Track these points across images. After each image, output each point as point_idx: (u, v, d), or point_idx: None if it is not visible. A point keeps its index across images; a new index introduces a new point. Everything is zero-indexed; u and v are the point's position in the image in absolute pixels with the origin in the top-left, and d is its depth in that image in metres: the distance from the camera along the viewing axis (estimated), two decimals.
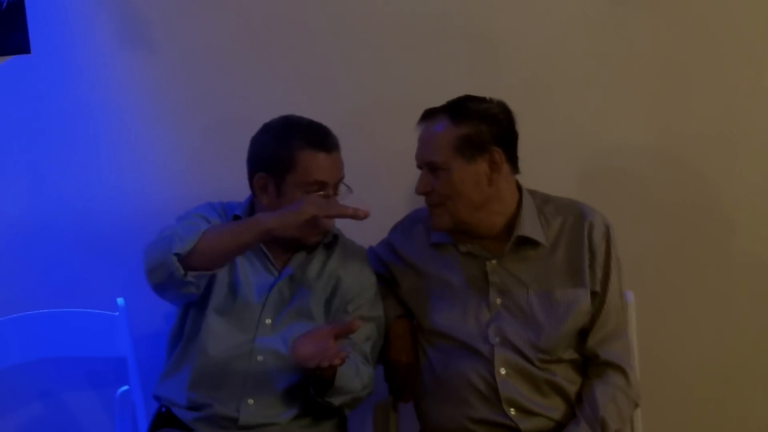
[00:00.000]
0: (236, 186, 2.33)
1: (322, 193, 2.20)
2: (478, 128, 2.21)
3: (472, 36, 2.61)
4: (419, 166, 2.25)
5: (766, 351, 2.53)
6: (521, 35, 2.62)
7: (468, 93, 2.26)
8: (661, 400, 2.48)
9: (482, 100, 2.25)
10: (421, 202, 2.30)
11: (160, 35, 2.58)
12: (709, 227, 2.58)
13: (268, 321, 2.24)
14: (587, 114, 2.62)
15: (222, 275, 2.24)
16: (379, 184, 2.55)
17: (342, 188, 2.26)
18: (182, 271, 2.10)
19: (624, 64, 2.60)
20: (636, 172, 2.62)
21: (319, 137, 2.24)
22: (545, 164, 2.56)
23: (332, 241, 2.32)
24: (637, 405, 2.26)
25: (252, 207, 2.31)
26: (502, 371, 2.20)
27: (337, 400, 2.15)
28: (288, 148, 2.21)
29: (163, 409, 2.26)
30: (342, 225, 2.33)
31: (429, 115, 2.25)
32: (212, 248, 2.12)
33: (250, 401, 2.19)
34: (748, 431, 2.44)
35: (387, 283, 2.36)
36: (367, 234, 2.38)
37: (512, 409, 2.19)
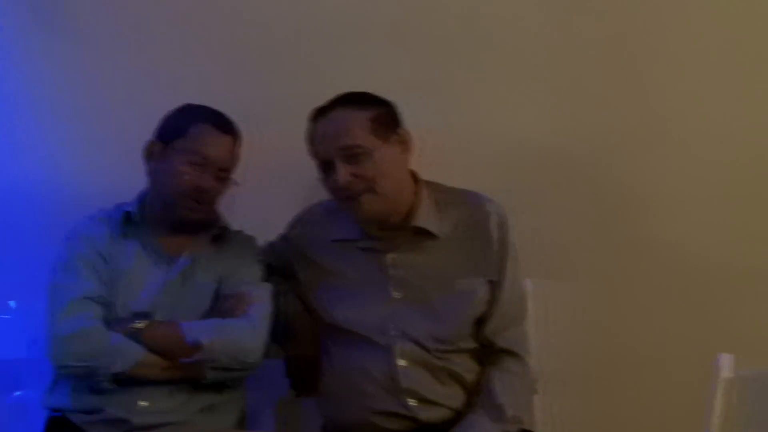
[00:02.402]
0: (135, 185, 2.31)
1: (198, 168, 2.22)
2: (382, 110, 2.23)
3: (368, 32, 2.61)
4: (328, 161, 2.21)
5: (673, 339, 2.54)
6: (426, 29, 2.62)
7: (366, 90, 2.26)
8: (565, 388, 2.50)
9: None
10: (317, 197, 2.30)
11: (62, 25, 2.53)
12: (619, 218, 2.60)
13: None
14: (494, 108, 2.63)
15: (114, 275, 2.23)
16: (276, 180, 2.53)
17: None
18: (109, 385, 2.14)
19: (534, 59, 2.62)
20: (545, 164, 2.63)
21: (219, 118, 2.27)
22: (448, 156, 2.56)
23: (222, 235, 2.31)
24: (535, 391, 2.29)
25: (143, 202, 2.29)
26: (402, 363, 2.20)
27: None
28: (185, 119, 2.26)
29: (57, 414, 2.22)
30: (237, 220, 2.32)
31: (325, 110, 2.24)
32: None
33: (143, 403, 2.16)
34: (655, 419, 2.46)
35: (286, 278, 2.35)
36: (264, 229, 2.37)
37: (412, 400, 2.20)
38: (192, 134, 2.24)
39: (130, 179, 2.32)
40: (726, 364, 2.03)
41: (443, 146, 2.53)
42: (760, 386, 2.01)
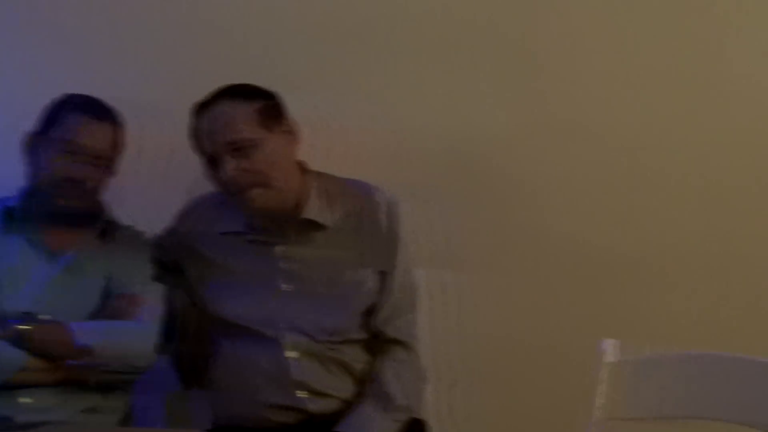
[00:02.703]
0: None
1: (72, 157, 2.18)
2: (267, 101, 2.21)
3: (255, 24, 2.60)
4: (213, 156, 2.18)
5: (564, 327, 2.57)
6: (313, 18, 2.60)
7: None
8: (457, 377, 2.51)
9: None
10: (205, 189, 2.27)
11: None
12: (511, 209, 2.61)
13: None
14: (389, 100, 2.62)
15: None
16: (163, 172, 2.50)
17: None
18: None
19: (428, 52, 2.62)
20: (439, 156, 2.63)
21: (95, 105, 2.23)
22: (343, 148, 2.56)
23: (110, 229, 2.27)
24: (424, 380, 2.30)
25: (26, 196, 2.24)
26: (292, 355, 2.19)
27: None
28: (60, 108, 2.22)
29: None
30: (125, 213, 2.29)
31: (208, 104, 2.20)
32: None
33: (25, 399, 2.11)
34: (546, 405, 2.48)
35: (173, 272, 2.32)
36: (152, 222, 2.34)
37: (302, 392, 2.19)
38: (65, 123, 2.20)
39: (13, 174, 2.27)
40: (610, 349, 2.06)
41: (338, 138, 2.52)
42: (643, 370, 2.04)
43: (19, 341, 2.07)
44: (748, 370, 1.97)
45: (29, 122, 2.24)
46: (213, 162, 2.17)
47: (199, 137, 2.19)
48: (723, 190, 2.46)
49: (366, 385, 2.22)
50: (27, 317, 2.12)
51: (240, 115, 2.17)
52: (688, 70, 2.50)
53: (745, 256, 2.43)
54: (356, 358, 2.24)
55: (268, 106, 2.21)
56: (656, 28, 2.51)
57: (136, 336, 2.14)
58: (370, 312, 2.25)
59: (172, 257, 2.32)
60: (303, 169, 2.28)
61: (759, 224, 2.43)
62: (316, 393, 2.19)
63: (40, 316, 2.13)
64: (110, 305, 2.20)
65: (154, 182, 2.45)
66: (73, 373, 2.10)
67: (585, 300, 2.49)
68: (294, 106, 2.26)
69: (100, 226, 2.27)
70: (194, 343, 2.28)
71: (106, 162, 2.22)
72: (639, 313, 2.44)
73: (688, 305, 2.43)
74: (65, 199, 2.19)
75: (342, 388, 2.22)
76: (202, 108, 2.20)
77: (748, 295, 2.41)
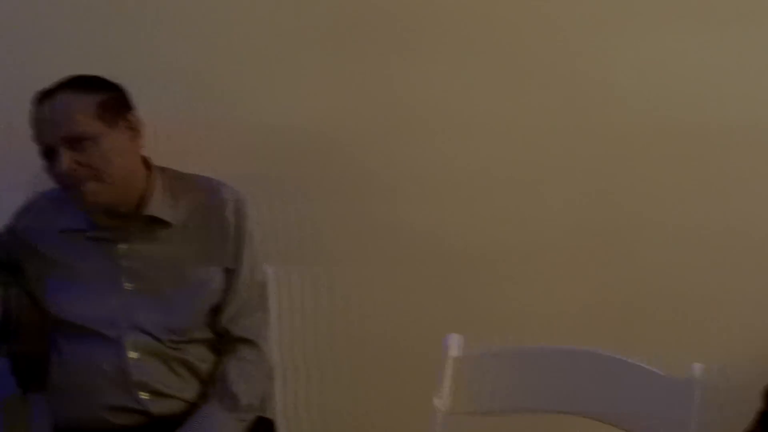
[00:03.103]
0: None
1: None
2: (109, 94, 2.15)
3: (106, 15, 2.53)
4: (52, 147, 2.11)
5: (417, 321, 2.57)
6: (170, 10, 2.55)
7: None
8: (308, 374, 2.50)
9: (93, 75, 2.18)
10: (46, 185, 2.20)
11: None
12: (367, 203, 2.61)
13: None
14: (243, 94, 2.58)
15: None
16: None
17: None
18: None
19: (281, 45, 2.58)
20: (293, 151, 2.60)
21: (42, 91, 2.14)
22: (197, 145, 2.52)
23: None
24: (271, 378, 2.27)
25: None
26: (133, 355, 2.14)
27: None
28: None
29: None
30: None
31: (49, 93, 2.14)
32: None
33: None
34: (395, 399, 2.48)
35: (10, 271, 2.24)
36: None
37: (144, 393, 2.13)
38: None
39: None
40: (454, 344, 2.07)
41: (187, 133, 2.48)
42: (484, 364, 2.06)
43: None
44: (586, 362, 2.01)
45: None
46: (50, 153, 2.11)
47: (37, 127, 2.13)
48: (577, 187, 2.48)
49: (211, 385, 2.17)
50: None
51: (79, 108, 2.11)
52: (546, 64, 2.51)
53: (594, 252, 2.46)
54: (202, 357, 2.20)
55: (111, 100, 2.15)
56: (510, 20, 2.52)
57: None
58: (216, 310, 2.21)
59: (11, 256, 2.24)
60: (148, 164, 2.23)
61: (605, 222, 2.46)
62: (158, 394, 2.14)
63: None
64: None
65: None
66: None
67: (437, 295, 2.50)
68: (141, 100, 2.20)
69: None
70: (33, 344, 2.21)
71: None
72: (490, 308, 2.45)
73: (538, 300, 2.45)
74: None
75: (186, 388, 2.17)
76: (44, 97, 2.14)
77: (596, 289, 2.44)
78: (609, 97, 2.45)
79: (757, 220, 2.35)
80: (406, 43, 2.56)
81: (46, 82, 2.15)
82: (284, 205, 2.57)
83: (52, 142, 2.10)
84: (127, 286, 2.17)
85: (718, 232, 2.36)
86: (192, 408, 2.15)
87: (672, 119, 2.40)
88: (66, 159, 2.08)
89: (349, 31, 2.57)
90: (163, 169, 2.25)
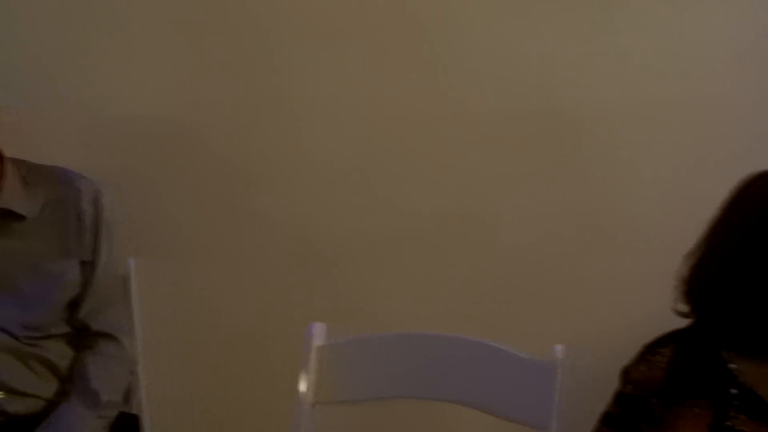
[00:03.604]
0: None
1: None
2: None
3: None
4: None
5: (279, 311, 2.54)
6: None
7: None
8: (170, 367, 2.45)
9: None
10: None
11: None
12: (228, 193, 2.56)
13: None
14: (95, 82, 2.52)
15: None
16: None
17: None
18: None
19: (138, 31, 2.52)
20: (151, 140, 2.55)
21: None
22: (43, 134, 2.46)
23: None
24: (133, 373, 2.22)
25: None
26: None
27: None
28: None
29: None
30: None
31: None
32: None
33: None
34: (259, 390, 2.46)
35: None
36: None
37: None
38: None
39: None
40: (318, 333, 2.06)
41: (44, 124, 2.41)
42: (347, 353, 2.05)
43: None
44: (449, 347, 2.02)
45: None
46: None
47: None
48: (436, 174, 2.49)
49: (70, 382, 2.12)
50: None
51: None
52: (405, 54, 2.51)
53: (456, 239, 2.47)
54: (61, 354, 2.14)
55: None
56: (367, 11, 2.51)
57: None
58: (74, 305, 2.15)
59: None
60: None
61: (466, 208, 2.47)
62: (15, 393, 2.07)
63: None
64: None
65: None
66: None
67: (302, 285, 2.48)
68: None
69: None
70: None
71: None
72: (355, 297, 2.45)
73: (402, 287, 2.45)
74: None
75: (44, 386, 2.11)
76: None
77: (459, 275, 2.45)
78: (468, 84, 2.46)
79: (614, 203, 2.39)
80: (267, 33, 2.53)
81: None
82: (146, 197, 2.52)
83: None
84: None
85: (577, 214, 2.40)
86: (51, 406, 2.09)
87: (530, 104, 2.43)
88: None
89: (210, 21, 2.53)
90: (13, 160, 2.17)
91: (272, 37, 2.52)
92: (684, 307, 1.69)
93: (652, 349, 1.72)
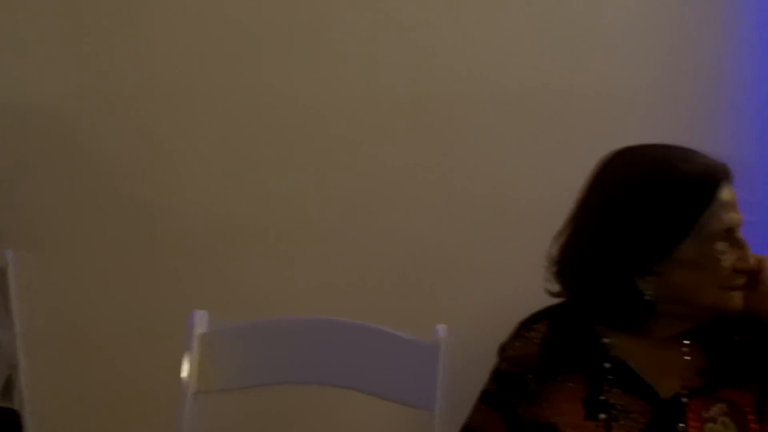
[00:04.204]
0: None
1: None
2: None
3: None
4: None
5: (159, 299, 2.49)
6: None
7: None
8: (51, 359, 2.39)
9: None
10: None
11: None
12: (111, 182, 2.49)
13: None
14: None
15: None
16: None
17: None
18: None
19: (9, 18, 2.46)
20: (18, 130, 2.49)
21: None
22: None
23: None
24: (13, 367, 2.17)
25: None
26: None
27: None
28: None
29: None
30: None
31: None
32: None
33: None
34: (144, 380, 2.42)
35: None
36: None
37: None
38: None
39: None
40: (200, 320, 2.03)
41: None
42: (230, 340, 2.03)
43: None
44: (332, 331, 2.01)
45: None
46: None
47: None
48: (323, 161, 2.46)
49: None
50: None
51: None
52: (290, 38, 2.47)
53: (342, 224, 2.45)
54: None
55: None
56: None
57: None
58: None
59: None
60: None
61: (351, 193, 2.45)
62: None
63: None
64: None
65: None
66: None
67: (185, 272, 2.43)
68: None
69: None
70: None
71: None
72: (240, 284, 2.41)
73: (288, 274, 2.43)
74: None
75: None
76: None
77: (346, 260, 2.44)
78: (368, 71, 2.45)
79: (493, 186, 2.40)
80: (129, 19, 2.47)
81: None
82: (25, 188, 2.46)
83: None
84: None
85: (458, 198, 2.40)
86: None
87: (412, 91, 2.41)
88: None
89: (71, 7, 2.47)
90: None
91: (132, 23, 2.47)
92: (556, 287, 1.71)
93: (526, 325, 1.73)
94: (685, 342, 1.66)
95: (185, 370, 2.00)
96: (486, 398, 1.71)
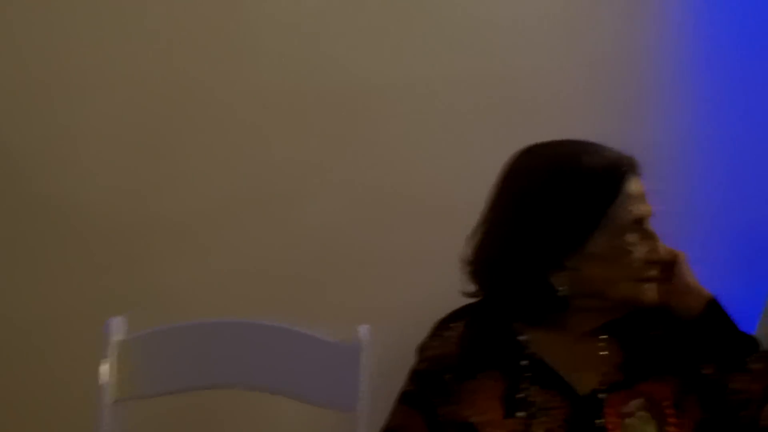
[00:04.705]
0: None
1: None
2: None
3: None
4: None
5: (71, 306, 2.43)
6: None
7: None
8: None
9: None
10: None
11: None
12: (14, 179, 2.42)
13: None
14: None
15: None
16: None
17: None
18: None
19: None
20: None
21: None
22: None
23: None
24: None
25: None
26: None
27: None
28: None
29: None
30: None
31: None
32: None
33: None
34: (59, 388, 2.36)
35: None
36: None
37: None
38: None
39: None
40: (116, 327, 2.00)
41: None
42: (149, 345, 2.00)
43: None
44: (252, 334, 1.99)
45: None
46: None
47: None
48: (232, 154, 2.43)
49: None
50: None
51: None
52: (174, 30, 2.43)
53: (253, 221, 2.42)
54: None
55: None
56: None
57: None
58: None
59: None
60: None
61: (261, 188, 2.43)
62: None
63: None
64: None
65: None
66: None
67: (99, 276, 2.37)
68: None
69: None
70: None
71: None
72: (153, 286, 2.37)
73: (203, 273, 2.40)
74: None
75: None
76: None
77: (259, 258, 2.42)
78: (274, 67, 2.42)
79: (414, 180, 2.40)
80: (35, 15, 2.39)
81: None
82: None
83: None
84: None
85: (377, 193, 2.40)
86: None
87: (317, 82, 2.41)
88: None
89: None
90: None
91: (52, 20, 2.40)
92: (471, 287, 1.71)
93: (444, 324, 1.73)
94: (602, 337, 1.67)
95: (103, 378, 1.96)
96: (406, 398, 1.70)
